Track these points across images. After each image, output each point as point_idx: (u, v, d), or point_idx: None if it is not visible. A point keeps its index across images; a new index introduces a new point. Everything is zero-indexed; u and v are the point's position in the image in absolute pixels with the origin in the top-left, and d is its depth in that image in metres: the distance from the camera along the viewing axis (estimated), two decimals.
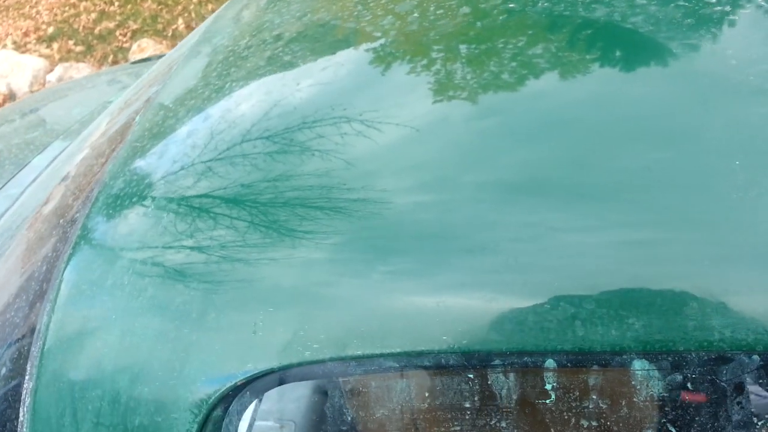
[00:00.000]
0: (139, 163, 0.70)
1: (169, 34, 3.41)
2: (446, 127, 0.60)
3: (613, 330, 0.47)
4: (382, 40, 0.73)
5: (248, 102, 0.72)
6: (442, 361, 0.50)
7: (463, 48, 0.68)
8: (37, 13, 3.68)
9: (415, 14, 0.75)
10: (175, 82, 0.84)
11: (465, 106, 0.62)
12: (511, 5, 0.71)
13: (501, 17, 0.71)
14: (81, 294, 0.60)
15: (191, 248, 0.57)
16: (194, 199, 0.61)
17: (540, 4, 0.70)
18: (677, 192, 0.51)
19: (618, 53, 0.64)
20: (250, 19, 0.93)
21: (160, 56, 2.21)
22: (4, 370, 0.65)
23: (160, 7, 3.53)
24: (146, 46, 3.37)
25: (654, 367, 0.48)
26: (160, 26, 3.46)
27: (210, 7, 3.47)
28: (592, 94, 0.60)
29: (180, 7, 3.50)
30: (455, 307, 0.49)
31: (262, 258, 0.55)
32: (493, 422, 0.52)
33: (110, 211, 0.66)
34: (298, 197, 0.58)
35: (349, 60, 0.73)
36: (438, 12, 0.74)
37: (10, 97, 3.19)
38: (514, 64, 0.64)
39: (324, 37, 0.80)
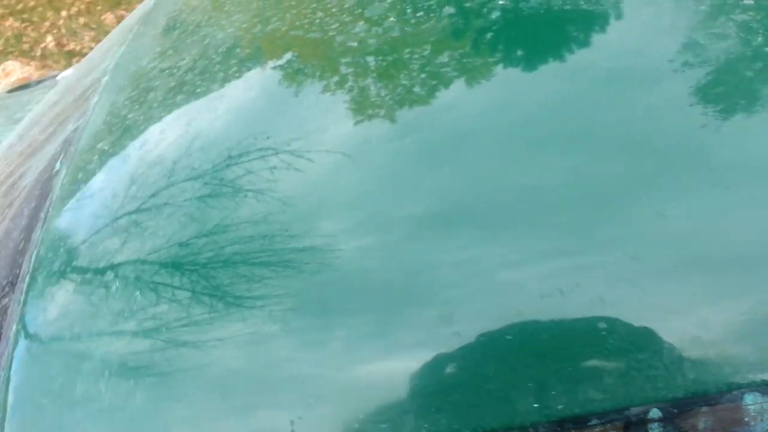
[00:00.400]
0: (84, 227, 0.56)
1: (38, 54, 3.08)
2: (373, 151, 0.54)
3: (727, 367, 0.41)
4: (292, 54, 0.64)
5: (198, 139, 0.59)
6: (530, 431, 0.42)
7: (372, 60, 0.61)
8: None
9: (327, 26, 0.66)
10: (100, 119, 0.69)
11: (387, 124, 0.55)
12: (419, 14, 0.64)
13: (408, 25, 0.64)
14: (39, 411, 0.46)
15: (184, 333, 0.45)
16: (175, 266, 0.49)
17: (443, 10, 0.64)
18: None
19: (545, 56, 0.58)
20: (176, 40, 0.80)
21: (39, 81, 1.96)
22: None
23: (24, 24, 3.17)
24: (12, 69, 3.02)
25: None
26: (26, 46, 3.11)
27: (82, 20, 3.17)
28: (512, 102, 0.55)
29: (47, 24, 3.17)
30: (535, 366, 0.41)
31: (295, 346, 0.43)
32: None
33: (57, 294, 0.51)
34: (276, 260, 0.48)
35: (263, 79, 0.64)
36: (348, 21, 0.66)
37: None
38: (424, 75, 0.58)
39: (243, 56, 0.69)
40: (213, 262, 0.48)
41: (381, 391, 0.42)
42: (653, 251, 0.44)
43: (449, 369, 0.42)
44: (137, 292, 0.48)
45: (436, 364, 0.42)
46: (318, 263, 0.46)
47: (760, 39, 0.54)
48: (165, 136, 0.61)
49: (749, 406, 0.43)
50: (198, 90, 0.65)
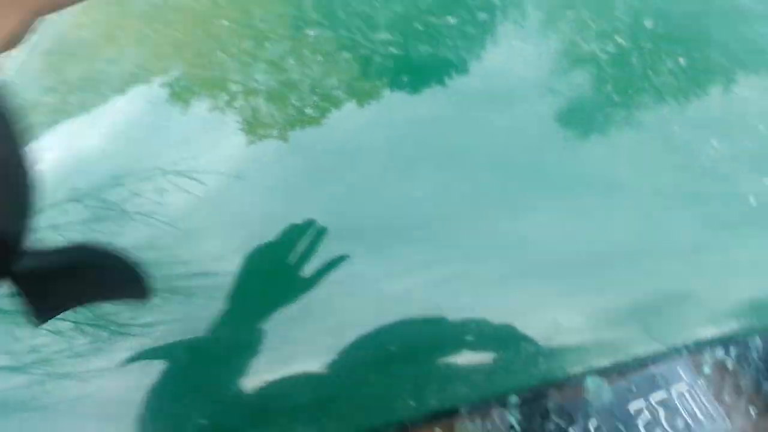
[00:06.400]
0: None
1: None
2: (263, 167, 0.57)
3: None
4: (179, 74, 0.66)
5: (80, 160, 0.59)
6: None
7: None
8: None
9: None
10: None
11: (273, 143, 0.59)
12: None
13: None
14: None
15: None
16: None
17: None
18: None
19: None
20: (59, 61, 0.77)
21: None
22: None
23: None
24: None
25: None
26: None
27: None
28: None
29: None
30: (412, 369, 0.46)
31: None
32: None
33: None
34: None
35: (148, 98, 0.65)
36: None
37: None
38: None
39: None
40: None
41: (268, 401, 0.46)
42: (512, 259, 0.51)
43: (333, 376, 0.47)
44: None
45: (321, 372, 0.46)
46: (204, 287, 0.49)
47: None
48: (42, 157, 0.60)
49: (589, 387, 0.51)
50: (78, 108, 0.64)
